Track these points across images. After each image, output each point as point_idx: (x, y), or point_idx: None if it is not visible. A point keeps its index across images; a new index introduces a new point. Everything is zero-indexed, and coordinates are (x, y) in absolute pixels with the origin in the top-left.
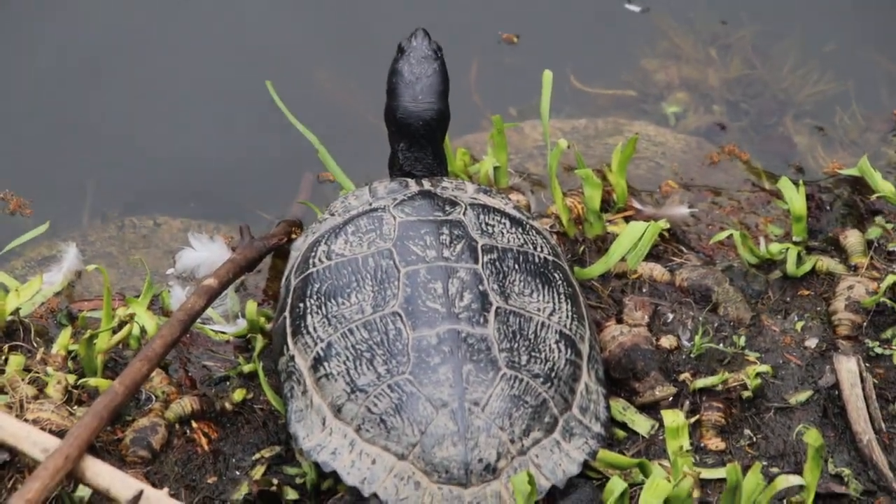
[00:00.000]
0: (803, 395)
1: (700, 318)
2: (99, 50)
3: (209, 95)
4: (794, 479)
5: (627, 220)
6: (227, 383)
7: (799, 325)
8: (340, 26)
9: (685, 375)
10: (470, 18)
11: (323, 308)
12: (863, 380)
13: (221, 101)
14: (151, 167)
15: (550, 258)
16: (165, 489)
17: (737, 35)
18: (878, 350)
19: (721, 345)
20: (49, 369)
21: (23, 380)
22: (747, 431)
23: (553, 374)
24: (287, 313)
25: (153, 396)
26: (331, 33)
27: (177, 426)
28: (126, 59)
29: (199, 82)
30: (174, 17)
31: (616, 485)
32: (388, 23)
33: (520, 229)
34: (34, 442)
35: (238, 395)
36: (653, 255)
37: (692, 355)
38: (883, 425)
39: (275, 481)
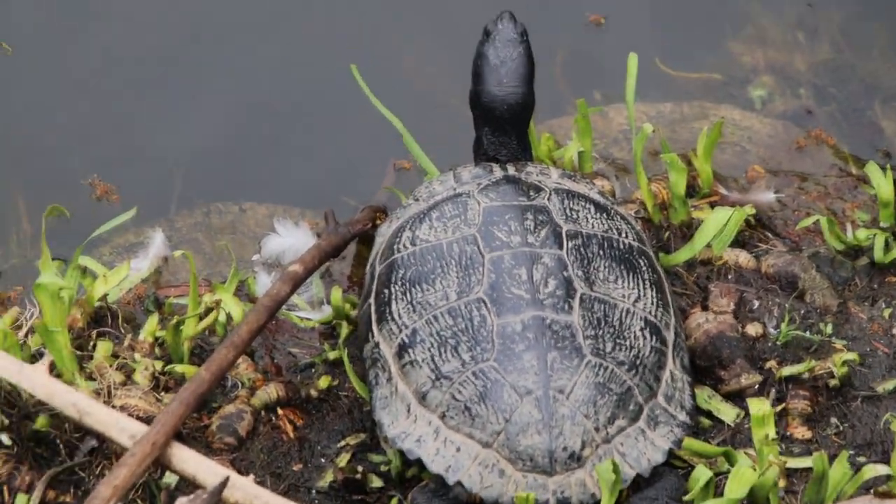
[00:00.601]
0: (891, 384)
1: (786, 306)
2: (181, 32)
3: (295, 81)
4: (881, 469)
5: (713, 205)
6: (313, 370)
7: (887, 313)
8: (426, 10)
9: (771, 363)
10: (556, 1)
11: (408, 294)
12: None
13: (307, 86)
14: (238, 153)
15: (635, 244)
16: (251, 476)
17: (824, 17)
18: None
19: (807, 332)
20: (136, 356)
21: (110, 366)
22: (834, 420)
23: (638, 362)
24: (372, 300)
25: (239, 383)
26: (416, 17)
27: (263, 413)
28: (210, 43)
29: (283, 67)
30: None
31: (701, 473)
32: (474, 6)
33: (604, 215)
34: (122, 428)
35: (323, 382)
36: (738, 242)
37: (778, 343)
38: None
39: (360, 469)
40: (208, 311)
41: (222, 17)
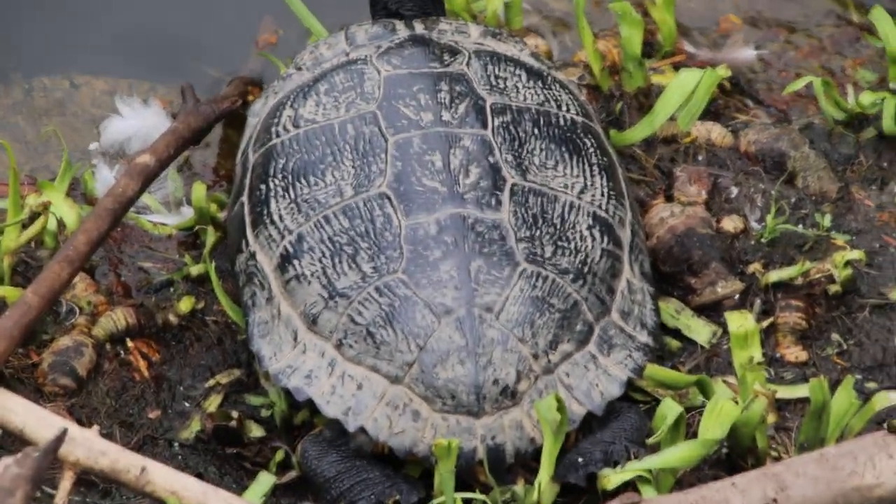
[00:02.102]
0: None
1: (773, 193)
2: None
3: None
4: (895, 396)
5: (677, 67)
6: (171, 290)
7: None
8: None
9: (754, 267)
10: None
11: (291, 190)
12: None
13: None
14: (65, 13)
15: (579, 119)
16: (95, 427)
17: None
18: None
19: (800, 226)
20: None
21: None
22: (835, 337)
23: (586, 270)
24: (245, 198)
25: (77, 309)
26: None
27: (108, 346)
28: None
29: None
30: None
31: (669, 409)
32: None
33: (539, 83)
34: None
35: (185, 304)
36: (710, 113)
37: (763, 240)
38: None
39: (234, 414)
40: (34, 216)
41: None
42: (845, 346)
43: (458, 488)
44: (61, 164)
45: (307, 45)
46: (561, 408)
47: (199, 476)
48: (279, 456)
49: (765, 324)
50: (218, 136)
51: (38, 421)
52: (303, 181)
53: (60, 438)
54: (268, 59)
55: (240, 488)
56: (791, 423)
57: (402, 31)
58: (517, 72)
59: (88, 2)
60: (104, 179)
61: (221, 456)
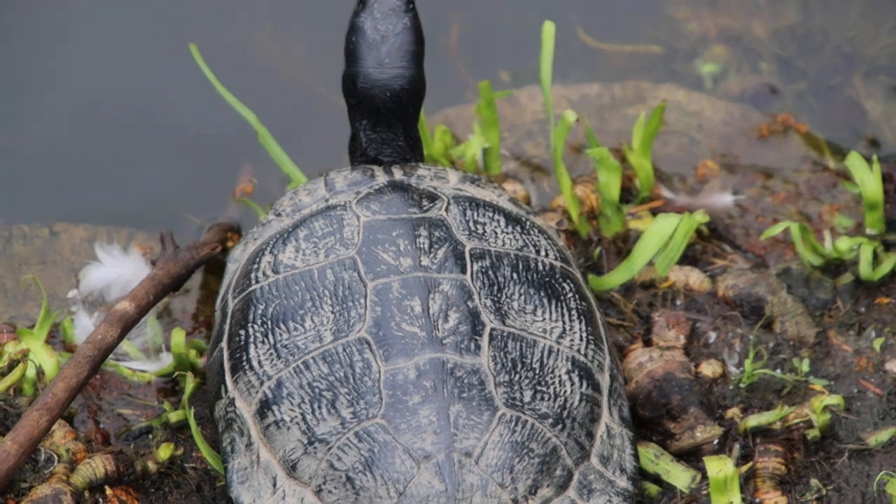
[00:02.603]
0: (885, 434)
1: (750, 338)
2: None
3: (120, 64)
4: None
5: (654, 212)
6: (150, 437)
7: (877, 344)
8: None
9: (733, 412)
10: None
11: (270, 336)
12: None
13: (136, 71)
14: (44, 160)
15: (558, 264)
16: None
17: None
18: None
19: (778, 371)
20: None
21: None
22: (814, 482)
23: (565, 414)
24: (224, 344)
25: (55, 456)
26: None
27: (86, 494)
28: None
29: (106, 48)
30: None
31: None
32: None
33: (518, 228)
34: None
35: (164, 451)
36: (688, 258)
37: (742, 385)
38: None
39: None
40: (13, 364)
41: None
42: (824, 492)
43: None
44: (40, 311)
45: (286, 191)
46: None
47: None
48: None
49: (744, 469)
50: (198, 283)
51: None
52: (282, 327)
53: None
54: (247, 206)
55: None
56: None
57: (381, 177)
58: (496, 217)
59: (68, 150)
60: (83, 327)
61: None
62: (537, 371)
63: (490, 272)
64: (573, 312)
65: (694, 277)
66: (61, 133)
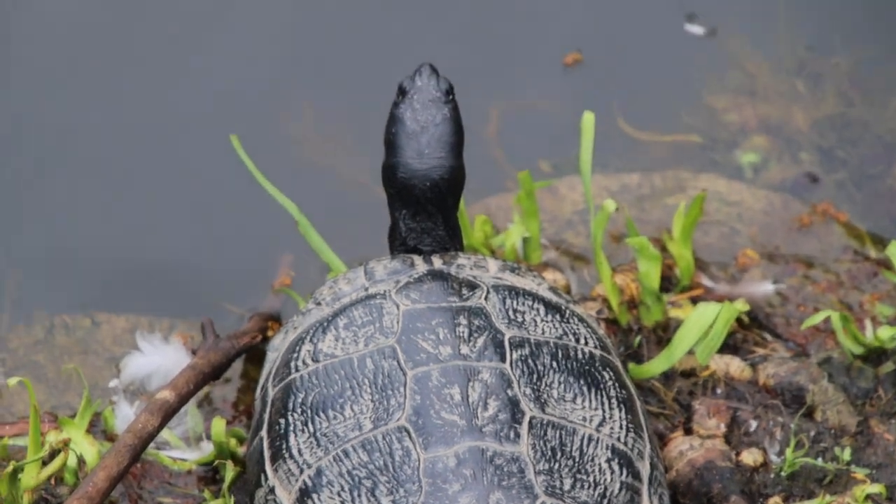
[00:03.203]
0: None
1: (792, 426)
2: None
3: (159, 157)
4: None
5: (695, 301)
6: None
7: None
8: (323, 62)
9: (775, 500)
10: (488, 51)
11: (310, 424)
12: None
13: (174, 163)
14: (87, 250)
15: (598, 353)
16: None
17: (829, 63)
18: None
19: (820, 460)
20: None
21: None
22: None
23: (605, 503)
24: (264, 432)
25: None
26: (311, 71)
27: None
28: (53, 116)
29: (145, 140)
30: (117, 57)
31: None
32: (385, 57)
33: (558, 317)
34: None
35: None
36: (729, 346)
37: (783, 474)
38: None
39: None
40: (54, 453)
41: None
42: None
43: None
44: (82, 401)
45: (326, 280)
46: None
47: None
48: None
49: None
50: (238, 372)
51: None
52: (322, 415)
53: None
54: (287, 295)
55: None
56: None
57: (421, 267)
58: (535, 305)
59: (109, 240)
60: (124, 416)
61: None
62: (577, 459)
63: (529, 360)
64: (613, 400)
65: (735, 366)
66: (104, 223)
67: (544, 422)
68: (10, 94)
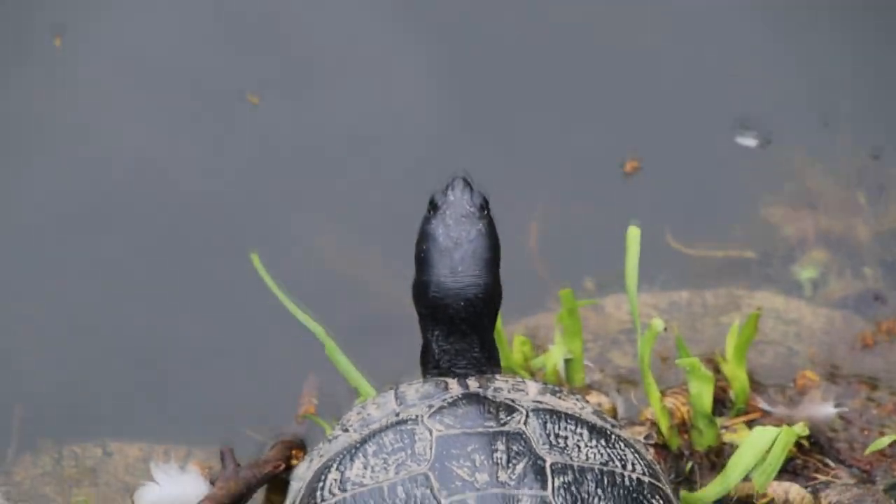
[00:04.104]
0: None
1: None
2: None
3: (177, 272)
4: None
5: (750, 425)
6: None
7: None
8: (347, 172)
9: None
10: (525, 159)
11: None
12: None
13: (194, 279)
14: (96, 375)
15: (646, 479)
16: None
17: (892, 173)
18: None
19: None
20: None
21: None
22: None
23: None
24: None
25: None
26: (334, 183)
27: None
28: (59, 227)
29: (163, 255)
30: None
31: None
32: (414, 167)
33: (603, 441)
34: None
35: None
36: (788, 472)
37: None
38: None
39: None
40: None
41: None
42: None
43: None
44: None
45: (354, 405)
46: None
47: None
48: None
49: None
50: (259, 503)
51: None
52: None
53: None
54: (313, 421)
55: None
56: None
57: (455, 390)
58: (578, 430)
59: (122, 362)
60: None
61: None
62: None
63: (573, 488)
64: None
65: (794, 493)
66: (115, 344)
67: None
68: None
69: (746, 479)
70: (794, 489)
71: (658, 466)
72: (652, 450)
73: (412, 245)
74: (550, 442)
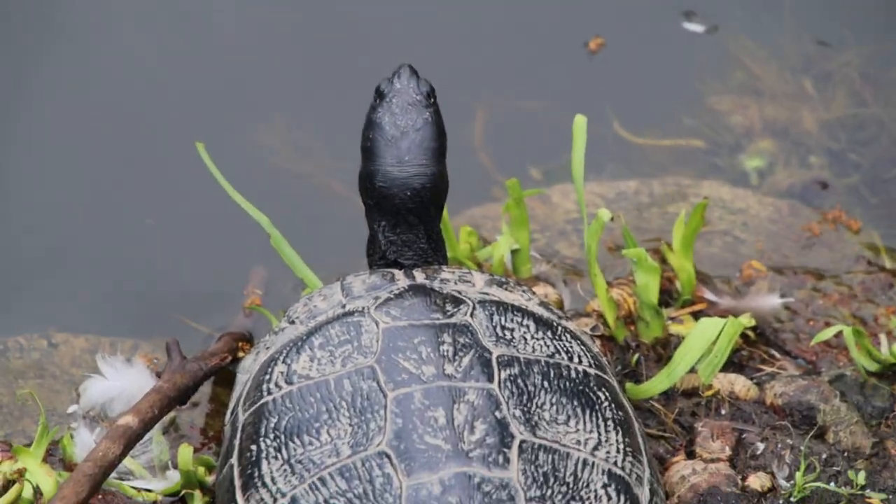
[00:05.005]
0: None
1: (802, 448)
2: None
3: (122, 167)
4: None
5: (697, 316)
6: None
7: None
8: (294, 63)
9: None
10: (473, 48)
11: (283, 450)
12: None
13: (139, 173)
14: (41, 264)
15: (592, 371)
16: None
17: (840, 60)
18: None
19: (832, 484)
20: None
21: None
22: None
23: None
24: (235, 460)
25: None
26: (281, 74)
27: None
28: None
29: (108, 149)
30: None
31: None
32: (361, 56)
33: (549, 333)
34: None
35: None
36: (733, 364)
37: (793, 499)
38: None
39: None
40: (8, 484)
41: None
42: None
43: None
44: (38, 428)
45: (301, 297)
46: None
47: None
48: None
49: None
50: (206, 395)
51: None
52: (296, 441)
53: None
54: (259, 313)
55: None
56: None
57: (402, 281)
58: (525, 322)
59: (67, 257)
60: (84, 443)
61: None
62: (571, 485)
63: (519, 380)
64: (609, 423)
65: (740, 385)
66: (59, 238)
67: (535, 445)
68: None
69: (692, 371)
70: (740, 381)
71: (604, 359)
72: (598, 342)
73: (357, 139)
74: (497, 334)
